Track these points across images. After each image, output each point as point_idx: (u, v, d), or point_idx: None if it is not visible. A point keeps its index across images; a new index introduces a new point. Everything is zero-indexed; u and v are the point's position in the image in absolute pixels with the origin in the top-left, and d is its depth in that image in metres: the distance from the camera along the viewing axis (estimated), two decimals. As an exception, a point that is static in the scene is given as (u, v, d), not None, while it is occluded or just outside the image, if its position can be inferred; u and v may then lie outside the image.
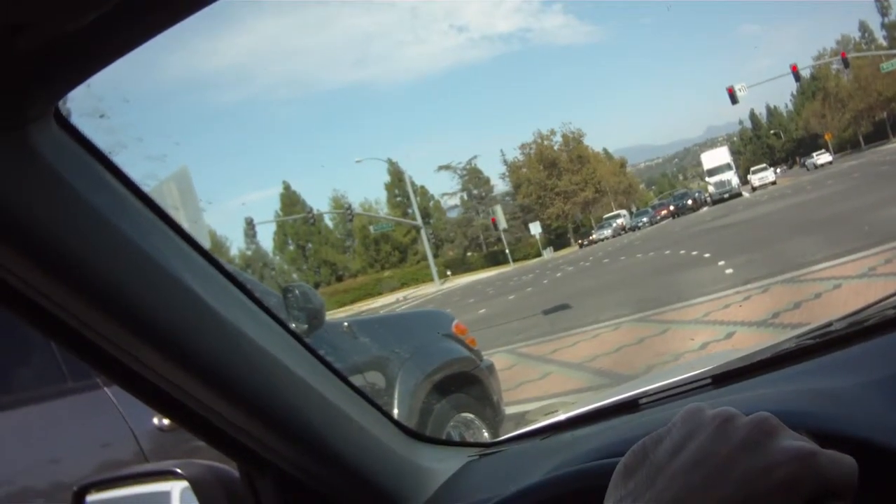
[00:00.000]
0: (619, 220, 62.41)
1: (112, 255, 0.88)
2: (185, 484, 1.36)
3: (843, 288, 8.64)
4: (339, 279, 66.58)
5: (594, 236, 59.97)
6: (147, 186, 0.93)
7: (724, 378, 1.34)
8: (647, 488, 0.59)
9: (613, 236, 56.14)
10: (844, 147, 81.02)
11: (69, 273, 0.84)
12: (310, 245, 69.98)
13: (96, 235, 0.86)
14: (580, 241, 61.81)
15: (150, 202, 0.94)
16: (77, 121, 0.84)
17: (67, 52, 0.71)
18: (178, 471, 1.36)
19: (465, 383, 5.00)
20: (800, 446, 0.57)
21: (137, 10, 0.69)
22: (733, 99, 37.74)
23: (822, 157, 64.36)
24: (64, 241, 0.83)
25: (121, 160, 0.89)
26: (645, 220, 58.29)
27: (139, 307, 0.91)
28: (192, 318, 0.98)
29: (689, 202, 54.64)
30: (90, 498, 1.52)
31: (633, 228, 56.75)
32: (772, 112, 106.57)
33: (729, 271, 12.71)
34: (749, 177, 61.86)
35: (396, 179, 68.83)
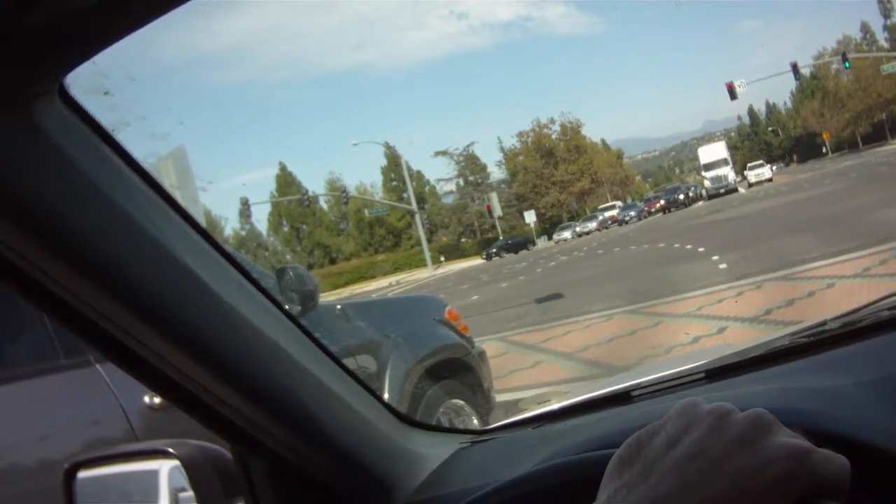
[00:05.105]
0: (612, 212, 61.93)
1: (112, 232, 0.87)
2: (176, 463, 1.36)
3: (836, 287, 8.65)
4: (333, 262, 66.55)
5: (562, 235, 58.10)
6: (145, 164, 0.93)
7: (717, 373, 1.34)
8: (641, 481, 0.59)
9: (599, 229, 55.62)
10: (842, 147, 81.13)
11: (69, 249, 0.84)
12: (304, 227, 69.91)
13: (97, 212, 0.86)
14: (483, 253, 56.18)
15: (151, 180, 0.94)
16: (81, 97, 0.84)
17: (74, 30, 0.71)
18: (170, 450, 1.36)
19: (457, 369, 5.01)
20: (795, 444, 0.57)
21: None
22: (732, 94, 37.79)
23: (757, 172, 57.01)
24: (65, 217, 0.83)
25: (123, 138, 0.89)
26: (633, 213, 57.42)
27: (137, 284, 0.91)
28: (189, 297, 0.98)
29: (681, 197, 54.28)
30: (81, 475, 1.52)
31: (621, 223, 56.16)
32: (771, 109, 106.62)
33: (723, 266, 12.73)
34: (746, 172, 61.55)
35: (393, 163, 68.64)
